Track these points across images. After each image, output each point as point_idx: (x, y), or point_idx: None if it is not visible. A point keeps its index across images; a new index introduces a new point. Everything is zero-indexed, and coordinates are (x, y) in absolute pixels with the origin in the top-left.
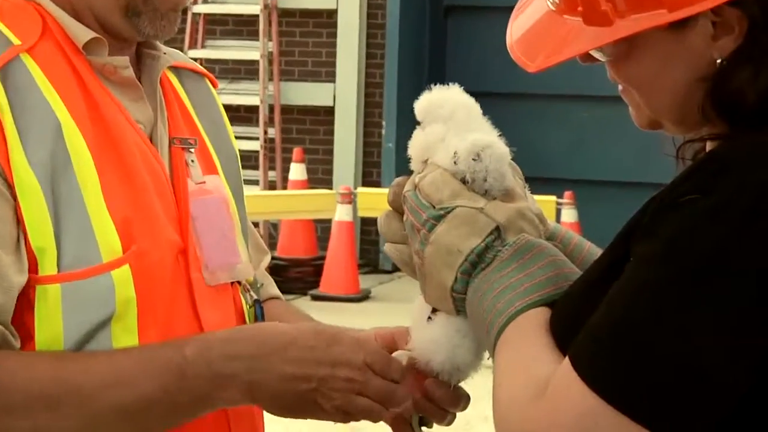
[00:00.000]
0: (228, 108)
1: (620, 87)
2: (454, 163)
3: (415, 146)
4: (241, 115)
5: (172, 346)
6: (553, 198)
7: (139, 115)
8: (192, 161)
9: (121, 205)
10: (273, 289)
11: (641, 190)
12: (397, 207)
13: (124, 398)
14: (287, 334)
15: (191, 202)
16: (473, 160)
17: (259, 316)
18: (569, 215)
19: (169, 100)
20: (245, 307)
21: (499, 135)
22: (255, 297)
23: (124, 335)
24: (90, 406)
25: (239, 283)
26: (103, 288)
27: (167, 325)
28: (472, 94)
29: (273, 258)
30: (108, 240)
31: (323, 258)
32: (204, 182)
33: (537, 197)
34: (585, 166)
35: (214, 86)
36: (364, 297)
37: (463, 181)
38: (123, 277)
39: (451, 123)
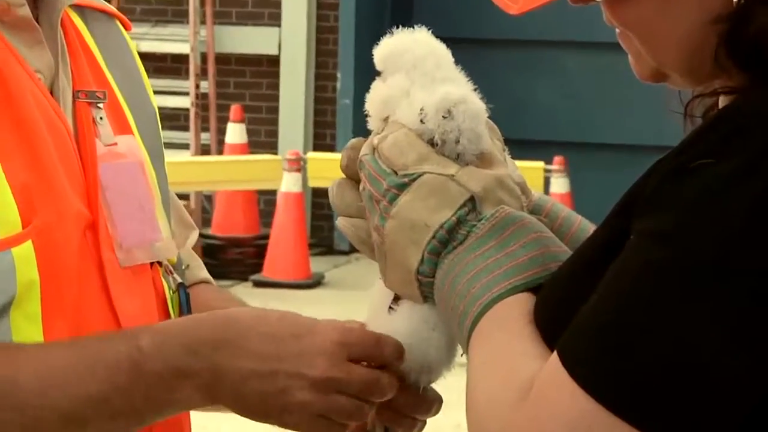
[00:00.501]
0: (152, 57)
1: (618, 32)
2: (421, 121)
3: (373, 101)
4: (168, 65)
5: (124, 337)
6: (541, 164)
7: (37, 63)
8: (101, 119)
9: (19, 171)
10: (201, 271)
11: (644, 155)
12: (353, 174)
13: (69, 399)
14: (242, 322)
15: (100, 167)
16: (443, 117)
17: (184, 302)
18: (559, 184)
19: (72, 45)
20: (168, 293)
21: (475, 88)
22: (179, 280)
23: (26, 324)
24: (32, 409)
25: (160, 264)
26: (2, 268)
27: (76, 313)
28: (442, 40)
29: (207, 237)
30: (6, 212)
31: (267, 237)
32: (115, 144)
33: (520, 163)
34: (578, 127)
35: (127, 29)
36: (315, 283)
37: (432, 143)
38: (25, 255)
39: (417, 73)
